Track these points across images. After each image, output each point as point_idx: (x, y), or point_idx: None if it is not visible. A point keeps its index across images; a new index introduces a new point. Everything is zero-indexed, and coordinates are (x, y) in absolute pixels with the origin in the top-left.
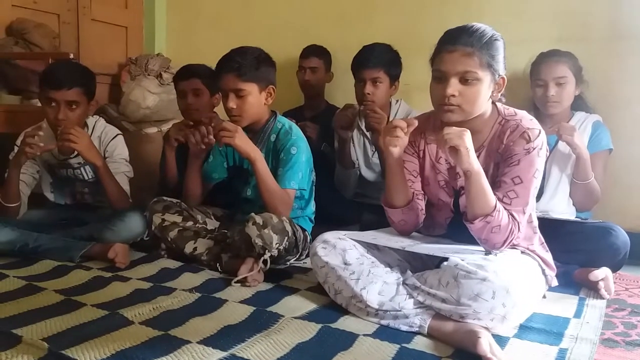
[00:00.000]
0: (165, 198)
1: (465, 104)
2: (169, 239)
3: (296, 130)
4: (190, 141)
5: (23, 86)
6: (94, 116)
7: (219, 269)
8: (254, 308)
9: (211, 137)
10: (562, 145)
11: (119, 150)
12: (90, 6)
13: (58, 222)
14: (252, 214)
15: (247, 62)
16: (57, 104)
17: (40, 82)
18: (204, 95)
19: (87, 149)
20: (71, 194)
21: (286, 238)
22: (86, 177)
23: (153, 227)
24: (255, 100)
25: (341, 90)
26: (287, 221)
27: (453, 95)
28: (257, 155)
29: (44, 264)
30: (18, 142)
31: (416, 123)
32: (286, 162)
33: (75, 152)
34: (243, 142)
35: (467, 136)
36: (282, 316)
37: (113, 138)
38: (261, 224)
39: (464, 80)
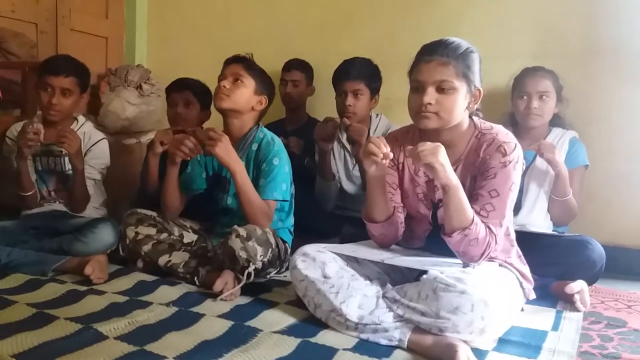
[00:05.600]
0: (139, 210)
1: (442, 112)
2: (143, 253)
3: (278, 142)
4: (175, 153)
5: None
6: (84, 116)
7: (197, 282)
8: (232, 322)
9: (199, 148)
10: (539, 161)
11: (102, 154)
12: (69, 16)
13: (30, 231)
14: (235, 226)
15: (255, 64)
16: (52, 89)
17: (39, 70)
18: (193, 107)
19: (76, 153)
20: (49, 187)
21: (270, 250)
22: (64, 169)
23: (127, 241)
24: (247, 94)
25: (322, 104)
26: (271, 233)
27: (430, 104)
28: (237, 167)
29: (16, 277)
30: (9, 133)
31: (391, 155)
32: (268, 173)
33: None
34: (225, 152)
35: (441, 152)
36: (261, 330)
37: (98, 141)
38: (245, 236)
39: (441, 89)
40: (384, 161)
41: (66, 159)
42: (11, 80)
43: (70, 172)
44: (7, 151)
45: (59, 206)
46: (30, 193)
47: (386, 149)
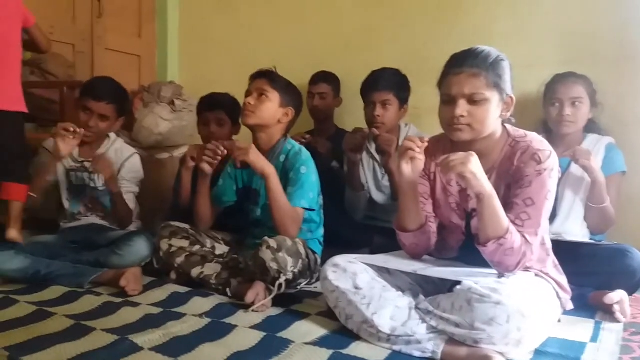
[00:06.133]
0: (172, 223)
1: (475, 123)
2: (176, 265)
3: (305, 152)
4: (202, 160)
5: (38, 114)
6: (115, 134)
7: (229, 293)
8: (264, 334)
9: (222, 149)
10: (574, 168)
11: (136, 168)
12: (104, 36)
13: (68, 245)
14: (266, 237)
15: (280, 78)
16: (91, 112)
17: (82, 89)
18: (226, 125)
19: (111, 177)
20: (84, 202)
21: (300, 261)
22: (97, 184)
23: (161, 253)
24: (273, 108)
25: (350, 115)
26: (301, 243)
27: (462, 116)
28: (271, 170)
29: (55, 289)
30: (45, 144)
31: (427, 142)
32: (296, 181)
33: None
34: (257, 158)
35: (472, 161)
36: (293, 342)
37: (131, 155)
38: (275, 247)
39: (472, 100)
40: (420, 156)
41: (100, 175)
42: (50, 99)
43: (103, 188)
44: (42, 163)
45: (95, 219)
46: (42, 180)
47: (420, 141)
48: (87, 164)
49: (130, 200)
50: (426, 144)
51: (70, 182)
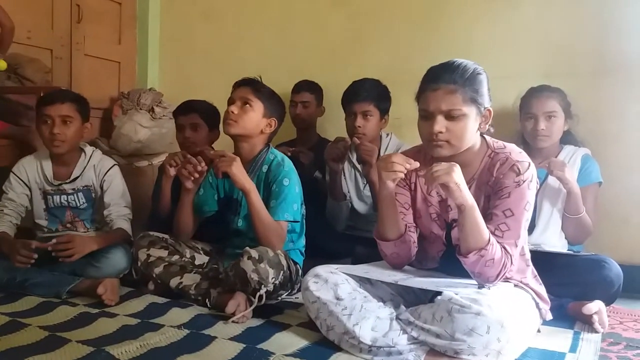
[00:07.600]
0: (151, 233)
1: (453, 139)
2: (154, 275)
3: (288, 163)
4: (182, 174)
5: (14, 120)
6: (91, 147)
7: (208, 304)
8: (244, 345)
9: (203, 164)
10: (552, 180)
11: (117, 181)
12: (83, 42)
13: (44, 254)
14: (247, 248)
15: (264, 87)
16: (52, 120)
17: (36, 107)
18: (201, 129)
19: (81, 252)
20: (64, 223)
21: (281, 272)
22: (78, 204)
23: (139, 263)
24: (256, 117)
25: (332, 124)
26: (282, 255)
27: (440, 132)
28: (252, 186)
29: (29, 300)
30: (15, 170)
31: (417, 165)
32: (279, 194)
33: (71, 178)
34: (239, 172)
35: (456, 171)
36: (273, 353)
37: (110, 168)
38: (257, 258)
39: (450, 116)
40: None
41: (80, 194)
42: (26, 105)
43: (85, 205)
44: (8, 188)
45: (74, 232)
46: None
47: (409, 164)
48: (65, 187)
49: (126, 224)
50: (417, 165)
51: (49, 204)
